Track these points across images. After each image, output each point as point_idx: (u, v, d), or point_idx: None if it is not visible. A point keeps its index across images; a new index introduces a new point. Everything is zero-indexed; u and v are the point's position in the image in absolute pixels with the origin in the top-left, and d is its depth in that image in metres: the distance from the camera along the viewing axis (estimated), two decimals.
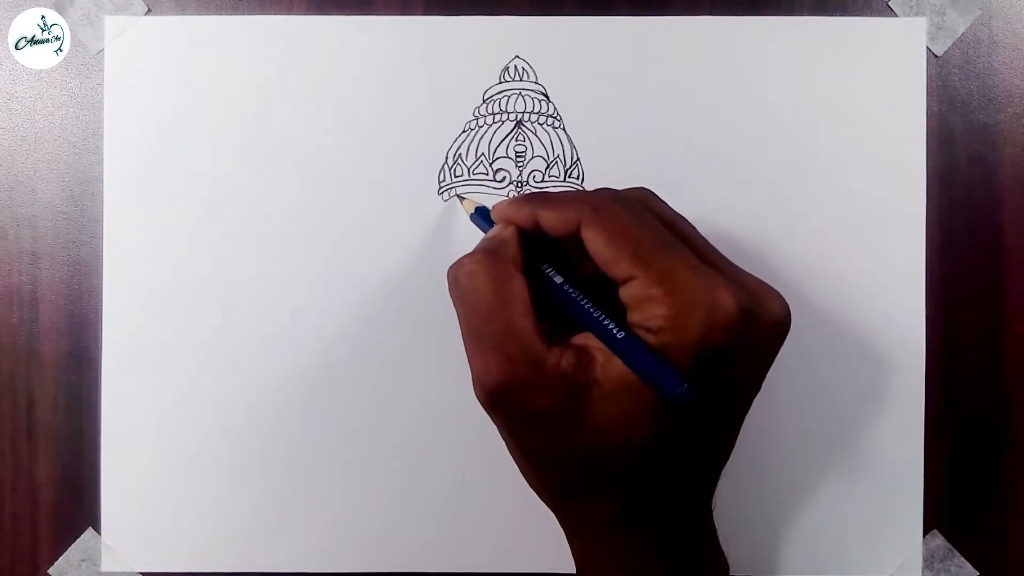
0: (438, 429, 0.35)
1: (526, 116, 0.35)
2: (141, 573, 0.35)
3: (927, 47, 0.36)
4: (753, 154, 0.35)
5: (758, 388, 0.28)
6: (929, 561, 0.35)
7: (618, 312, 0.26)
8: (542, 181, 0.35)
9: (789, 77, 0.35)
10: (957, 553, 0.35)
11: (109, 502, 0.35)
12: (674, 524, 0.29)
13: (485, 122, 0.35)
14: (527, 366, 0.25)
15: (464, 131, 0.35)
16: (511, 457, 0.29)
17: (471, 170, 0.35)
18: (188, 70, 0.36)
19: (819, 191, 0.35)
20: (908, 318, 0.35)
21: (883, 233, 0.35)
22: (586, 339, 0.27)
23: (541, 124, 0.35)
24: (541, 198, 0.28)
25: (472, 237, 0.35)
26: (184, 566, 0.35)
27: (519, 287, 0.27)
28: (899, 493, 0.35)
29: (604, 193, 0.28)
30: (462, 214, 0.35)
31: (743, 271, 0.28)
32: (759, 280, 0.27)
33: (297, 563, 0.35)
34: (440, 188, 0.35)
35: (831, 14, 0.36)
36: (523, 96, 0.35)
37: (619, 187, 0.35)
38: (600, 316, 0.26)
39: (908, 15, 0.36)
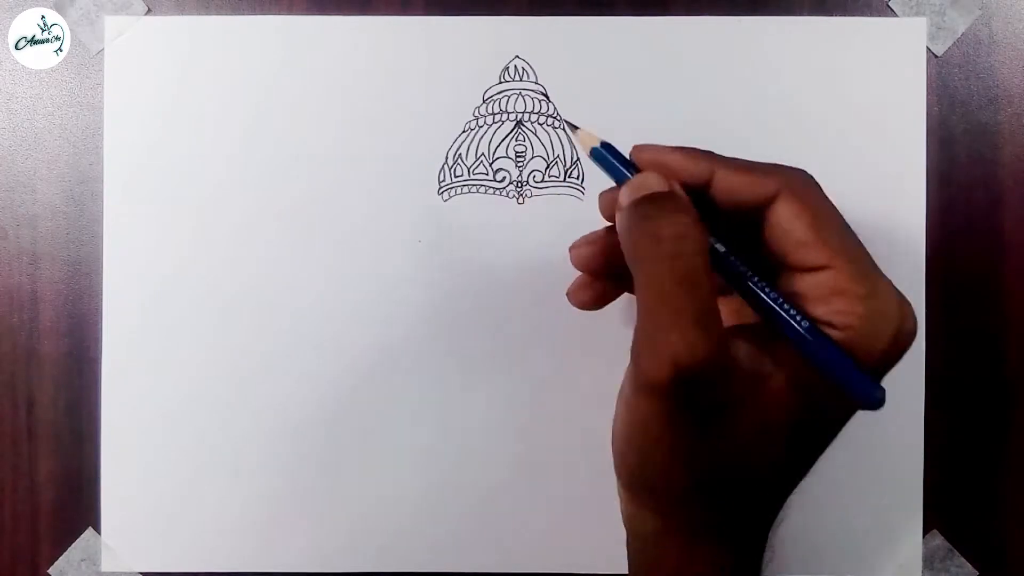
0: (439, 429, 0.35)
1: (526, 116, 0.35)
2: (141, 573, 0.35)
3: (927, 47, 0.36)
4: (753, 154, 0.35)
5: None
6: (929, 561, 0.35)
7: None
8: (542, 181, 0.35)
9: (789, 77, 0.35)
10: (957, 553, 0.35)
11: (109, 502, 0.35)
12: (756, 538, 0.27)
13: (485, 122, 0.35)
14: (726, 351, 0.23)
15: (464, 131, 0.35)
16: (613, 449, 0.26)
17: (471, 170, 0.35)
18: (188, 70, 0.36)
19: None
20: None
21: (883, 233, 0.35)
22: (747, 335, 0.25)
23: (541, 124, 0.35)
24: (723, 159, 0.26)
25: (471, 241, 0.35)
26: (184, 566, 0.35)
27: (707, 261, 0.24)
28: (899, 493, 0.35)
29: (805, 174, 0.26)
30: (462, 215, 0.35)
31: None
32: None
33: (297, 563, 0.35)
34: (440, 188, 0.35)
35: (831, 14, 0.36)
36: (523, 96, 0.35)
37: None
38: (787, 306, 0.24)
39: (908, 15, 0.36)
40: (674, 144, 0.26)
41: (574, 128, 0.28)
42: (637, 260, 0.24)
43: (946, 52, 0.36)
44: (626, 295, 0.29)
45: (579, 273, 0.29)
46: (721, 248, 0.25)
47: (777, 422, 0.24)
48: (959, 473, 0.35)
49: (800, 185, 0.25)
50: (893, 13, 0.36)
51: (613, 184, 0.27)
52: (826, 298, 0.24)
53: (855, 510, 0.35)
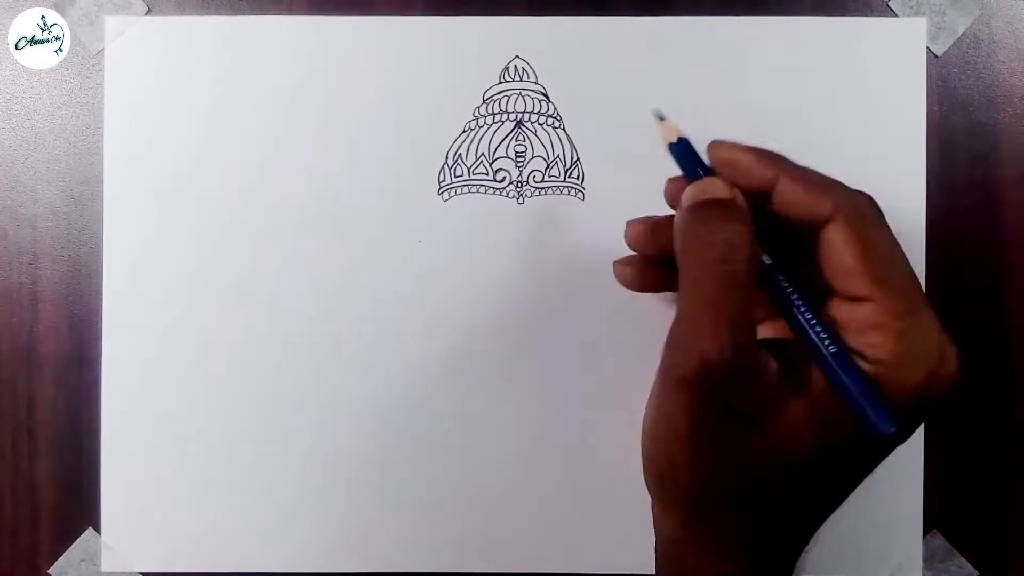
0: (439, 428, 0.35)
1: (526, 116, 0.35)
2: (141, 573, 0.35)
3: (927, 47, 0.36)
4: None
5: (907, 439, 0.27)
6: (929, 561, 0.35)
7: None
8: (542, 181, 0.35)
9: (789, 77, 0.35)
10: (957, 553, 0.35)
11: (109, 502, 0.35)
12: (783, 548, 0.27)
13: (485, 122, 0.35)
14: (751, 359, 0.24)
15: (464, 131, 0.35)
16: (642, 446, 0.27)
17: (471, 170, 0.35)
18: (188, 70, 0.36)
19: None
20: None
21: None
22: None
23: (541, 124, 0.35)
24: (792, 166, 0.26)
25: (471, 241, 0.35)
26: (184, 566, 0.35)
27: (755, 274, 0.25)
28: (899, 493, 0.35)
29: (866, 199, 0.26)
30: (462, 215, 0.35)
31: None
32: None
33: (297, 563, 0.35)
34: (440, 188, 0.35)
35: (831, 14, 0.36)
36: (523, 96, 0.35)
37: (620, 188, 0.35)
38: (818, 328, 0.24)
39: (908, 15, 0.36)
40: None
41: (661, 119, 0.28)
42: (686, 258, 0.25)
43: (946, 52, 0.36)
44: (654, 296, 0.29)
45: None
46: (767, 260, 0.25)
47: (796, 447, 0.24)
48: (959, 473, 0.35)
49: (856, 211, 0.25)
50: (893, 13, 0.36)
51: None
52: (863, 330, 0.24)
53: (855, 510, 0.35)
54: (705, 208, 0.25)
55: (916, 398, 0.24)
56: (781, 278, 0.25)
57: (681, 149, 0.27)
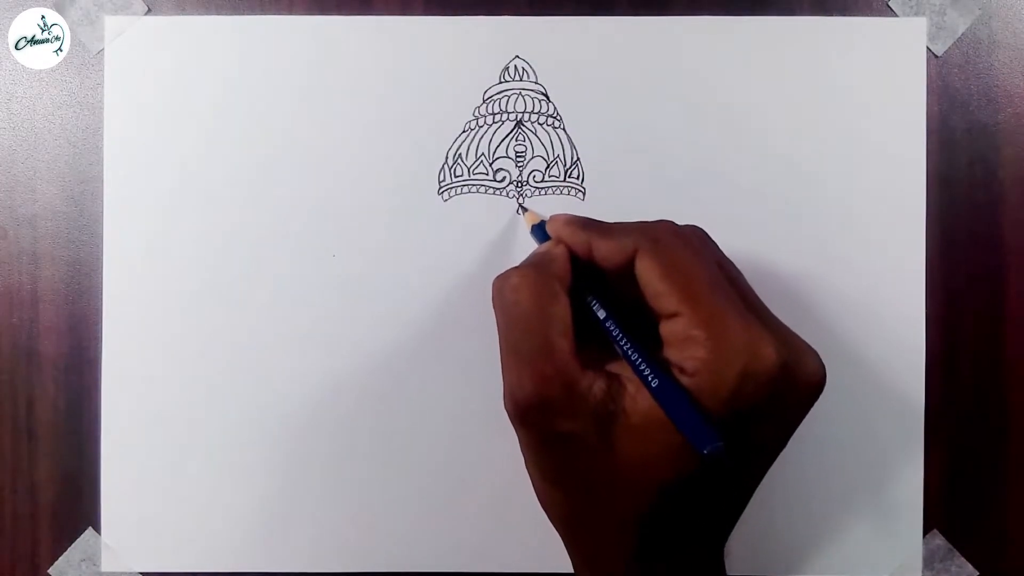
0: (438, 428, 0.35)
1: (526, 116, 0.35)
2: (141, 573, 0.35)
3: (927, 47, 0.36)
4: (752, 154, 0.35)
5: (783, 445, 0.28)
6: (929, 561, 0.35)
7: (657, 345, 0.26)
8: (542, 181, 0.35)
9: (789, 77, 0.35)
10: (957, 553, 0.35)
11: (109, 502, 0.35)
12: (686, 565, 0.28)
13: (485, 122, 0.35)
14: (558, 387, 0.25)
15: (464, 131, 0.35)
16: (528, 475, 0.29)
17: (471, 170, 0.35)
18: (188, 70, 0.36)
19: (819, 191, 0.35)
20: (908, 318, 0.35)
21: (883, 233, 0.35)
22: (621, 367, 0.26)
23: (541, 124, 0.35)
24: (599, 227, 0.29)
25: (471, 240, 0.35)
26: (184, 566, 0.35)
27: (561, 306, 0.27)
28: (899, 493, 0.35)
29: (663, 225, 0.28)
30: (462, 215, 0.35)
31: (784, 325, 0.27)
32: (799, 337, 0.27)
33: (297, 563, 0.35)
34: (440, 188, 0.35)
35: (831, 14, 0.36)
36: (523, 96, 0.35)
37: (620, 188, 0.35)
38: (638, 359, 0.26)
39: (908, 15, 0.36)
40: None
41: (524, 210, 0.35)
42: (496, 317, 0.28)
43: (946, 52, 0.36)
44: None
45: None
46: (602, 314, 0.27)
47: (632, 461, 0.25)
48: (959, 473, 0.35)
49: (653, 240, 0.27)
50: (893, 13, 0.36)
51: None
52: (678, 343, 0.25)
53: (855, 510, 0.35)
54: (501, 275, 0.28)
55: (735, 402, 0.24)
56: (610, 324, 0.27)
57: (539, 230, 0.32)
